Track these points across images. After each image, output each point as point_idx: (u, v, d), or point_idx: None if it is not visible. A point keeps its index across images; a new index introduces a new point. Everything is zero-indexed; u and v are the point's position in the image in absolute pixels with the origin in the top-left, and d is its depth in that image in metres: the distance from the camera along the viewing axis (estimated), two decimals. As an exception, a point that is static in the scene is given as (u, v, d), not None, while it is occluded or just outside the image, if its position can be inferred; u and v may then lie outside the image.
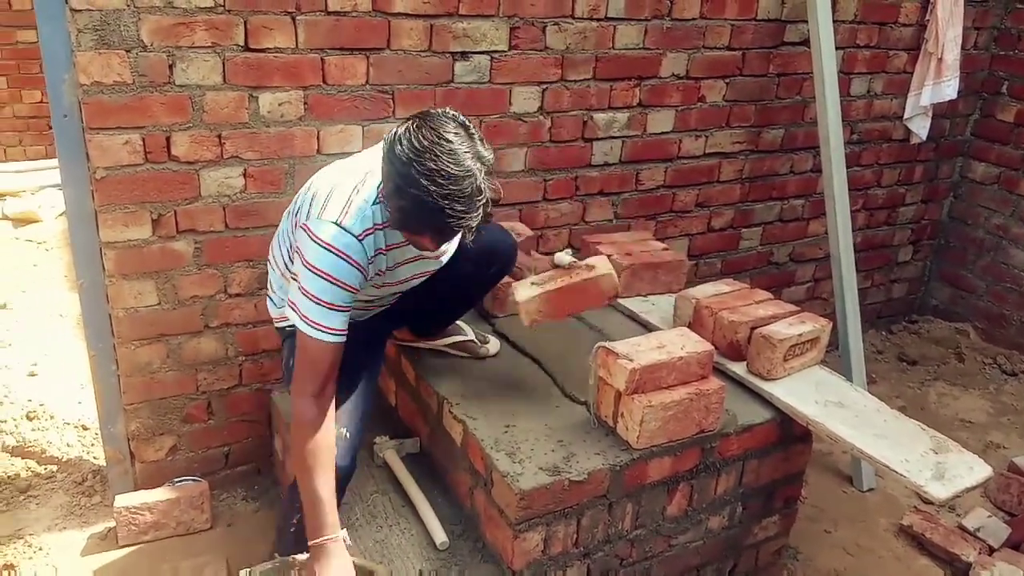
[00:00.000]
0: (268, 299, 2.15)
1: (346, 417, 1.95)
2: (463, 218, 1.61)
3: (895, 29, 3.51)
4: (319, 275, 1.73)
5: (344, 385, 1.94)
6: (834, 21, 3.00)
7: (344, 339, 1.79)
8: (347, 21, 2.32)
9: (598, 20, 2.75)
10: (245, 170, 2.35)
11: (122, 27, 2.07)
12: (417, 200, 1.59)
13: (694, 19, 2.95)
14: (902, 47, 3.57)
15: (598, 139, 2.94)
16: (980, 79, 3.96)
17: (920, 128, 3.68)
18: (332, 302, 1.74)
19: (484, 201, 1.64)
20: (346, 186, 1.79)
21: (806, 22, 2.98)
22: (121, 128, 2.15)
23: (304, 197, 1.88)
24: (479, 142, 1.65)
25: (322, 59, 2.33)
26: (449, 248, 2.04)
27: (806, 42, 3.12)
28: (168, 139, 2.22)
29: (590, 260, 2.16)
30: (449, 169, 1.57)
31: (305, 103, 2.35)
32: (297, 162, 2.40)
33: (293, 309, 1.78)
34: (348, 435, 1.94)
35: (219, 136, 2.28)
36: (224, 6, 2.16)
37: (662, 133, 3.09)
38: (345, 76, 2.38)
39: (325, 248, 1.72)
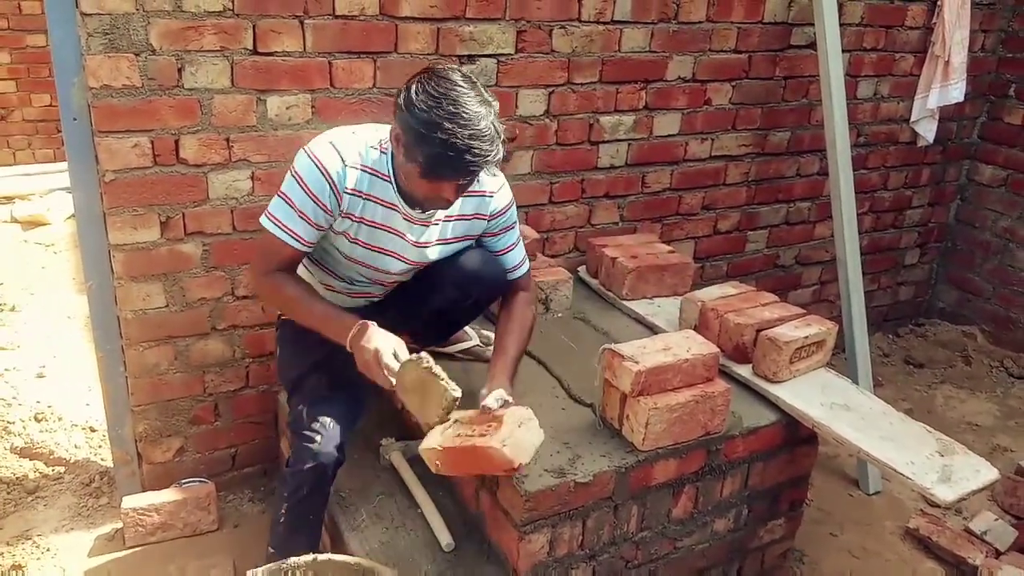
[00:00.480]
0: None
1: (329, 405, 1.99)
2: (487, 155, 1.71)
3: (902, 32, 3.51)
4: (293, 176, 1.83)
5: (330, 376, 2.01)
6: (841, 24, 3.00)
7: (299, 248, 1.86)
8: (355, 25, 2.34)
9: (604, 23, 2.76)
10: (253, 173, 2.36)
11: (131, 31, 2.08)
12: (445, 143, 1.67)
13: (700, 22, 2.95)
14: (909, 50, 3.57)
15: (604, 142, 2.95)
16: (987, 82, 3.96)
17: (927, 131, 3.68)
18: (296, 203, 1.82)
19: (502, 139, 1.74)
20: (346, 128, 1.92)
21: (812, 25, 2.98)
22: (130, 131, 2.17)
23: None
24: (483, 89, 1.76)
25: (330, 63, 2.34)
26: (431, 248, 2.01)
27: (812, 45, 3.12)
28: (177, 142, 2.23)
29: (508, 414, 1.78)
30: (468, 111, 1.67)
31: (313, 106, 2.36)
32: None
33: (265, 213, 1.87)
34: (330, 423, 1.96)
35: (227, 139, 2.29)
36: (233, 10, 2.17)
37: (668, 136, 3.09)
38: (352, 79, 2.39)
39: (308, 155, 1.83)
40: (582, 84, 2.80)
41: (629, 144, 3.01)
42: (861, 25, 3.38)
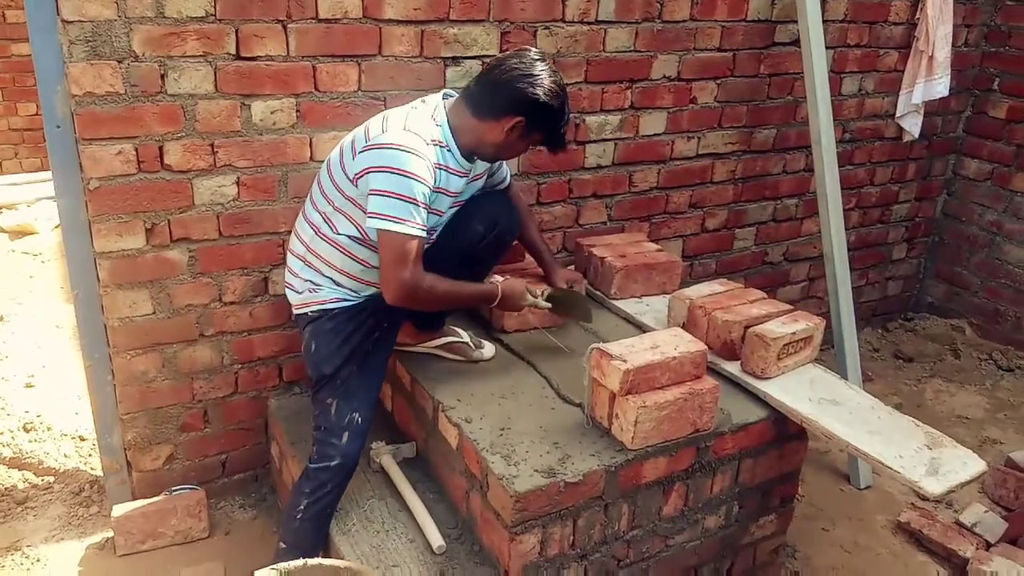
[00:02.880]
0: (287, 289, 2.20)
1: (358, 401, 2.10)
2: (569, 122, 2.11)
3: (885, 28, 3.53)
4: (393, 173, 1.91)
5: (359, 368, 2.11)
6: (824, 21, 3.01)
7: (425, 236, 1.96)
8: (338, 28, 2.33)
9: (588, 23, 2.76)
10: (238, 178, 2.35)
11: (114, 38, 2.08)
12: (561, 111, 2.04)
13: (684, 21, 2.96)
14: (893, 45, 3.59)
15: (591, 141, 2.95)
16: (971, 76, 3.98)
17: (912, 126, 3.69)
18: (411, 195, 1.91)
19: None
20: (399, 110, 2.06)
21: (796, 22, 2.99)
22: (114, 138, 2.16)
23: (349, 138, 2.08)
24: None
25: (314, 66, 2.34)
26: (468, 187, 2.20)
27: (797, 42, 3.13)
28: (161, 148, 2.23)
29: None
30: (563, 83, 2.06)
31: (297, 110, 2.36)
32: (290, 169, 2.41)
33: (375, 216, 1.92)
34: (359, 420, 2.08)
35: (212, 145, 2.28)
36: (215, 15, 2.17)
37: (654, 135, 3.10)
38: (337, 83, 2.39)
39: (395, 148, 1.93)
40: (567, 84, 2.78)
41: (616, 144, 3.02)
42: (845, 21, 3.39)
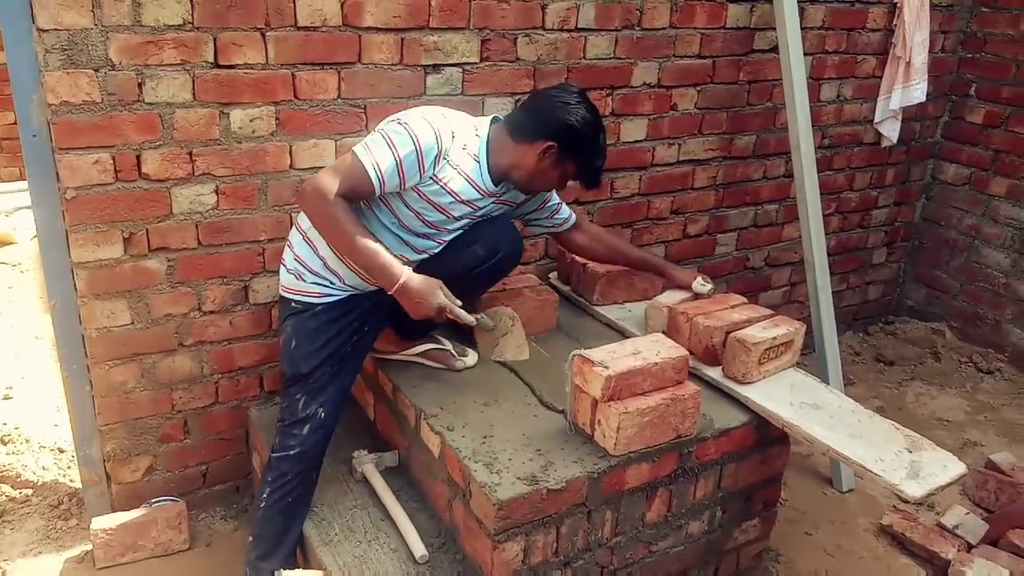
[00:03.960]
0: (282, 266, 2.19)
1: (325, 396, 2.12)
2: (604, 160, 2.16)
3: (863, 34, 3.56)
4: (409, 131, 1.96)
5: (332, 367, 2.11)
6: (802, 28, 3.03)
7: (376, 189, 1.96)
8: (317, 36, 2.33)
9: (569, 31, 2.77)
10: (217, 187, 2.34)
11: (90, 46, 2.06)
12: (594, 141, 2.09)
13: (664, 28, 2.97)
14: (870, 52, 3.62)
15: (572, 149, 2.95)
16: (948, 82, 4.02)
17: (890, 131, 3.72)
18: (400, 152, 1.94)
19: None
20: (449, 110, 2.11)
21: (775, 29, 3.02)
22: (91, 147, 2.15)
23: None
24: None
25: (293, 74, 2.33)
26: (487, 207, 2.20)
27: (775, 49, 3.15)
28: (138, 157, 2.21)
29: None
30: (601, 120, 2.12)
31: (277, 118, 2.35)
32: (270, 178, 2.40)
33: (362, 144, 1.97)
34: (324, 415, 2.11)
35: (190, 153, 2.27)
36: (193, 23, 2.15)
37: (635, 141, 3.11)
38: (316, 91, 2.38)
39: (426, 120, 1.99)
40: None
41: (597, 150, 3.02)
42: (823, 28, 3.42)
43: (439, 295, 1.99)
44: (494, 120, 2.17)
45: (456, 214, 2.11)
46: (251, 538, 2.20)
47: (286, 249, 2.19)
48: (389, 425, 2.41)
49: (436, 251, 2.16)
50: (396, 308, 2.13)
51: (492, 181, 2.11)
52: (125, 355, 2.38)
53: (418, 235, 2.11)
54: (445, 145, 2.00)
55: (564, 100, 2.07)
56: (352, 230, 1.93)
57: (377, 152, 1.94)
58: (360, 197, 1.99)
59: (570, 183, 2.20)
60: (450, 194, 2.06)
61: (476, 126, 2.12)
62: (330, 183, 1.91)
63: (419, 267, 2.13)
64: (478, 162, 2.08)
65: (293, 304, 2.14)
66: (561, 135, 2.05)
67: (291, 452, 2.12)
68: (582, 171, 2.13)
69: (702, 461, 2.12)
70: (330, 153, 2.45)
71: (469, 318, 2.08)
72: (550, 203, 2.41)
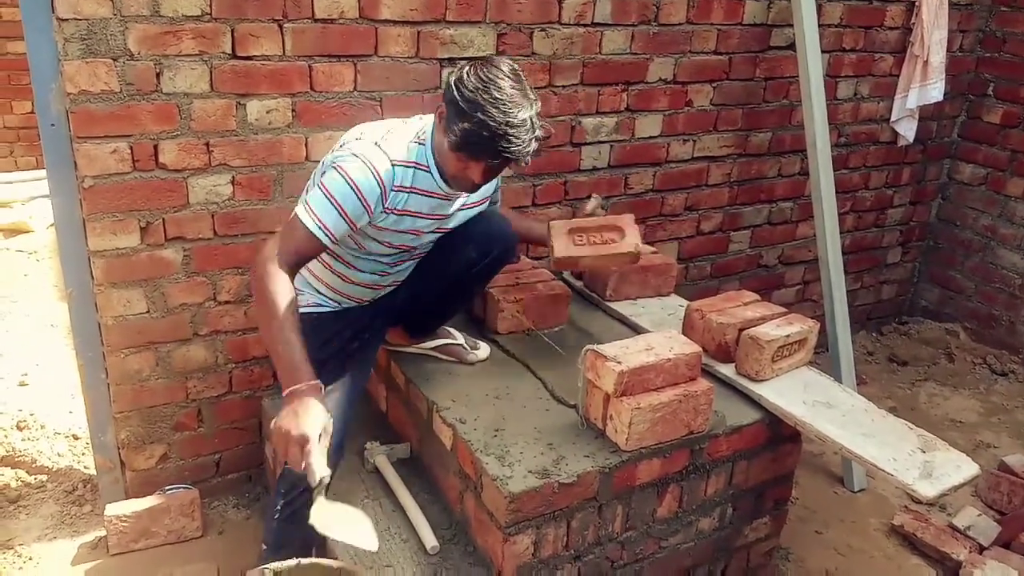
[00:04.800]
0: None
1: (331, 405, 1.93)
2: (520, 145, 1.80)
3: (881, 32, 3.54)
4: (343, 176, 1.84)
5: (332, 374, 2.02)
6: (820, 25, 3.02)
7: (326, 244, 1.85)
8: (334, 28, 2.33)
9: (585, 26, 2.76)
10: (233, 177, 2.35)
11: (109, 36, 2.07)
12: (483, 124, 1.77)
13: (680, 24, 2.97)
14: (888, 50, 3.60)
15: (586, 144, 2.96)
16: (966, 81, 3.99)
17: (907, 130, 3.70)
18: (342, 204, 1.83)
19: (538, 134, 1.84)
20: (381, 125, 1.98)
21: (792, 26, 3.00)
22: (109, 136, 2.16)
23: (331, 151, 2.01)
24: (528, 87, 1.86)
25: (309, 66, 2.34)
26: (458, 214, 2.11)
27: (792, 46, 3.14)
28: (156, 147, 2.22)
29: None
30: (511, 99, 1.79)
31: (293, 110, 2.36)
32: (285, 169, 2.41)
33: (303, 201, 1.87)
34: (333, 420, 1.90)
35: (207, 144, 2.28)
36: (211, 14, 2.16)
37: (650, 137, 3.10)
38: (333, 83, 2.39)
39: (359, 158, 1.86)
40: (564, 86, 2.81)
41: (611, 146, 3.02)
42: (840, 26, 3.40)
43: (313, 427, 1.64)
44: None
45: (424, 229, 2.05)
46: (263, 547, 2.10)
47: None
48: (401, 417, 2.42)
49: (411, 267, 2.13)
50: (402, 312, 2.12)
51: (446, 182, 1.96)
52: (141, 343, 2.40)
53: (390, 256, 2.08)
54: (386, 180, 1.87)
55: (463, 66, 1.85)
56: (279, 316, 1.74)
57: (319, 209, 1.82)
58: (311, 257, 1.90)
59: (473, 163, 1.87)
60: (409, 215, 1.98)
61: (419, 133, 1.97)
62: (276, 250, 1.80)
63: (412, 272, 2.12)
64: (428, 171, 1.95)
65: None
66: (446, 92, 1.83)
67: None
68: (465, 138, 1.80)
69: (714, 458, 2.12)
70: (346, 145, 2.45)
71: (320, 473, 1.65)
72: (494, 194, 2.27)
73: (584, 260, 2.26)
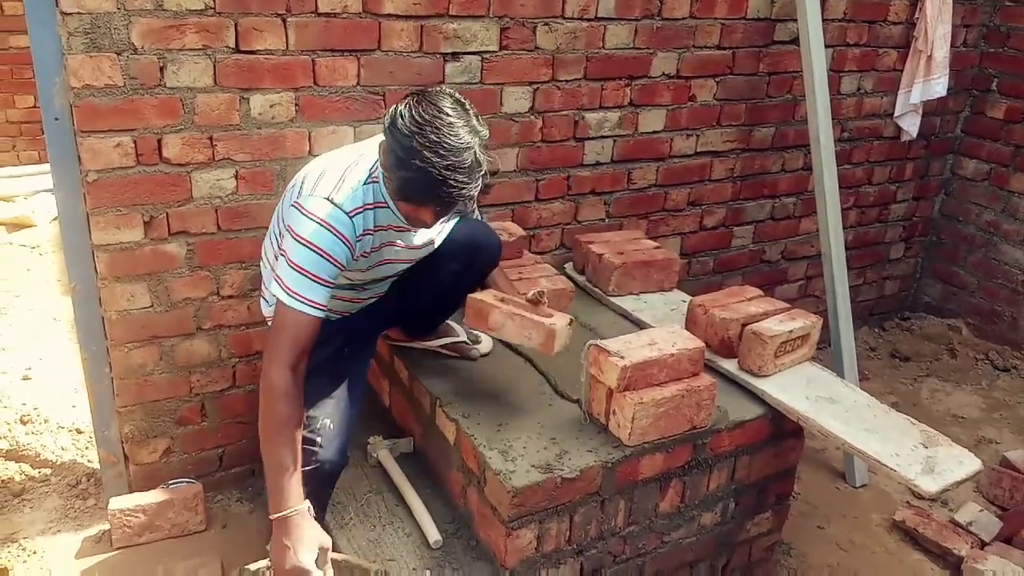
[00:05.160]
0: (262, 299, 2.16)
1: (330, 407, 1.98)
2: (464, 188, 1.69)
3: (884, 27, 3.53)
4: (308, 247, 1.77)
5: (329, 378, 2.01)
6: (824, 20, 3.02)
7: (323, 314, 1.81)
8: (337, 23, 2.33)
9: (588, 20, 2.76)
10: (237, 172, 2.35)
11: (113, 30, 2.07)
12: (421, 171, 1.66)
13: (684, 18, 2.96)
14: (892, 45, 3.59)
15: (590, 138, 2.95)
16: (970, 76, 3.98)
17: (910, 125, 3.70)
18: (317, 274, 1.78)
19: (483, 172, 1.73)
20: (338, 167, 1.86)
21: (796, 21, 3.00)
22: (112, 131, 2.16)
23: (294, 183, 1.93)
24: (474, 117, 1.74)
25: (313, 60, 2.34)
26: (436, 238, 2.08)
27: (796, 41, 3.14)
28: (159, 141, 2.22)
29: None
30: (450, 141, 1.66)
31: (296, 104, 2.36)
32: (289, 164, 2.40)
33: (278, 283, 1.80)
34: (331, 425, 1.96)
35: (210, 138, 2.28)
36: (214, 8, 2.16)
37: (653, 132, 3.10)
38: (336, 77, 2.39)
39: (315, 221, 1.77)
40: (567, 81, 2.80)
41: (614, 141, 3.02)
42: (844, 20, 3.39)
43: (307, 558, 1.70)
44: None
45: (397, 259, 2.03)
46: (269, 547, 2.02)
47: (262, 286, 2.15)
48: (404, 412, 2.42)
49: (391, 283, 2.12)
50: (392, 320, 2.11)
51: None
52: (144, 338, 2.40)
53: (367, 283, 2.07)
54: (348, 235, 1.80)
55: (405, 97, 1.74)
56: (279, 436, 1.76)
57: (300, 289, 1.77)
58: (313, 339, 1.82)
59: (420, 208, 1.79)
60: (385, 247, 1.95)
61: (371, 170, 1.86)
62: (285, 356, 1.76)
63: (397, 285, 2.09)
64: (387, 206, 1.87)
65: None
66: (386, 134, 1.73)
67: (305, 468, 1.89)
68: (405, 186, 1.72)
69: (716, 453, 2.13)
70: (348, 139, 2.45)
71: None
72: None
73: (496, 313, 2.01)
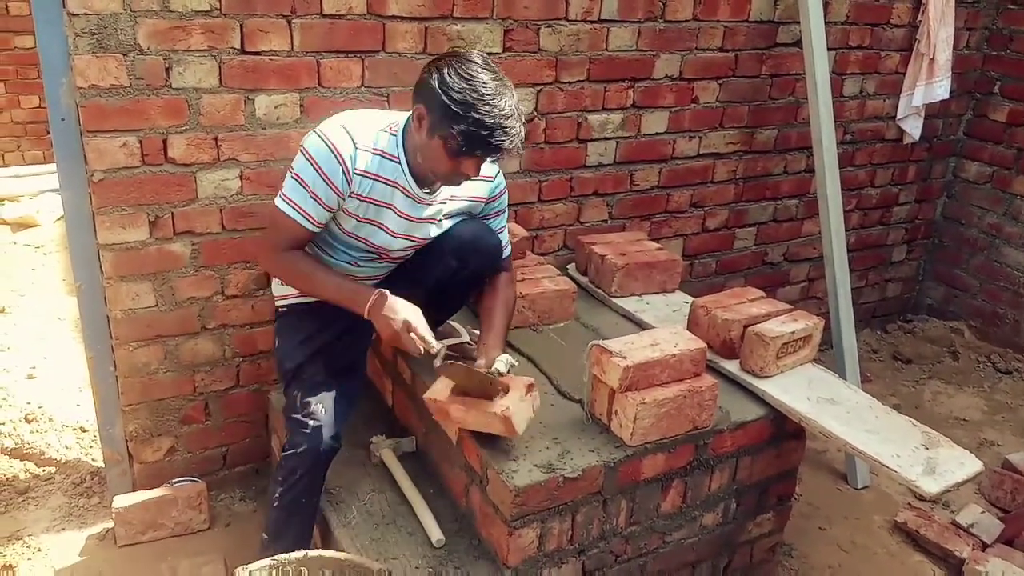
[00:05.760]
0: (274, 280, 2.21)
1: (323, 393, 2.06)
2: (517, 134, 1.82)
3: (887, 30, 3.54)
4: (307, 157, 1.89)
5: (325, 367, 2.08)
6: (826, 22, 3.02)
7: (311, 229, 1.93)
8: (342, 24, 2.34)
9: (591, 22, 2.77)
10: (242, 172, 2.37)
11: (119, 31, 2.09)
12: (478, 123, 1.77)
13: (687, 21, 2.97)
14: (894, 48, 3.60)
15: (592, 140, 2.96)
16: (972, 79, 3.99)
17: (913, 128, 3.70)
18: (311, 187, 1.88)
19: (524, 120, 1.86)
20: (361, 113, 1.99)
21: (798, 23, 3.00)
22: (118, 131, 2.17)
23: None
24: (500, 72, 1.86)
25: (317, 62, 2.35)
26: (437, 224, 2.11)
27: (798, 43, 3.14)
28: (165, 141, 2.24)
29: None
30: (498, 92, 1.79)
31: (301, 105, 2.37)
32: (293, 164, 2.42)
33: (280, 194, 1.93)
34: (324, 410, 2.03)
35: (216, 138, 2.29)
36: (220, 9, 2.18)
37: (656, 134, 3.11)
38: (340, 78, 2.40)
39: (321, 138, 1.89)
40: (570, 83, 2.81)
41: (617, 142, 3.03)
42: (846, 23, 3.40)
43: (407, 313, 1.89)
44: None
45: (395, 231, 2.03)
46: (264, 535, 2.14)
47: None
48: (407, 411, 2.43)
49: (388, 270, 2.15)
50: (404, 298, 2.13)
51: (418, 183, 1.97)
52: (149, 337, 2.42)
53: (362, 254, 2.08)
54: (346, 156, 1.87)
55: (437, 61, 1.85)
56: (309, 274, 1.96)
57: (293, 195, 1.90)
58: (304, 242, 1.98)
59: (468, 159, 1.86)
60: (373, 203, 1.97)
61: (391, 124, 1.97)
62: (271, 244, 1.96)
63: (393, 285, 2.09)
64: (398, 163, 1.95)
65: (281, 310, 2.19)
66: (426, 95, 1.82)
67: (299, 450, 2.03)
68: (459, 137, 1.79)
69: (718, 453, 2.13)
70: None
71: (436, 346, 1.92)
72: (494, 222, 2.20)
73: (454, 410, 1.93)
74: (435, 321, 2.32)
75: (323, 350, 2.10)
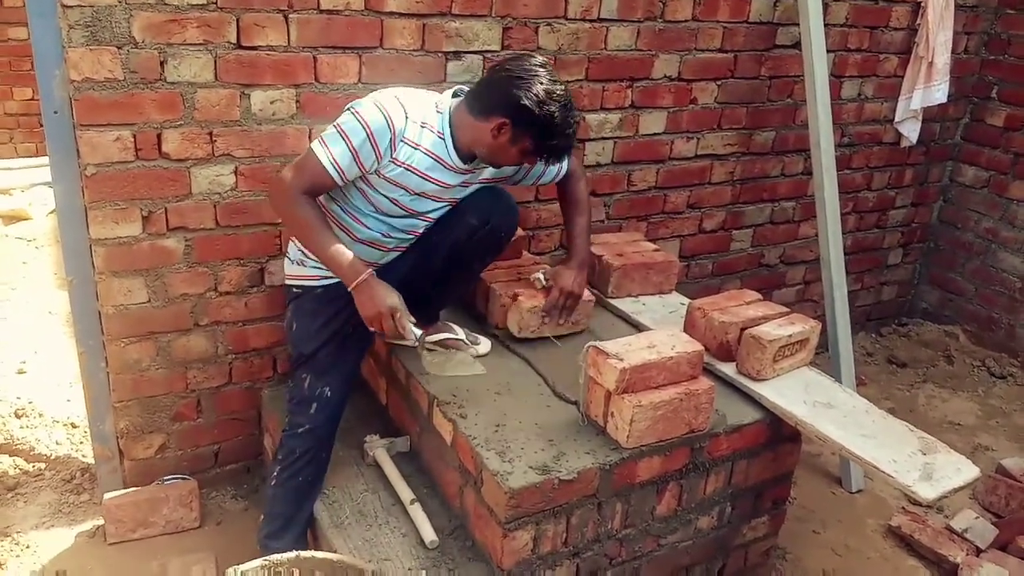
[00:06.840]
0: (286, 259, 2.24)
1: (331, 377, 2.15)
2: (575, 132, 2.03)
3: (886, 33, 3.53)
4: (359, 119, 1.94)
5: (333, 352, 2.15)
6: (825, 24, 3.01)
7: (337, 181, 1.97)
8: (339, 20, 2.32)
9: (591, 21, 2.75)
10: (236, 168, 2.34)
11: (114, 24, 2.06)
12: (568, 137, 2.02)
13: (686, 21, 2.96)
14: (893, 51, 3.59)
15: (590, 140, 2.95)
16: (970, 83, 3.99)
17: (910, 131, 3.70)
18: (353, 141, 1.94)
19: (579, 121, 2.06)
20: (405, 88, 2.09)
21: (797, 25, 2.99)
22: (112, 125, 2.15)
23: None
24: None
25: (314, 57, 2.33)
26: (466, 189, 2.19)
27: (797, 45, 3.13)
28: (159, 136, 2.21)
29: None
30: (565, 95, 1.98)
31: (297, 101, 2.35)
32: (289, 160, 2.38)
33: (319, 137, 1.99)
34: (330, 393, 2.14)
35: (210, 133, 2.27)
36: (216, 3, 2.15)
37: (654, 134, 3.09)
38: (337, 74, 2.38)
39: (376, 104, 1.96)
40: (568, 82, 2.79)
41: (615, 142, 3.01)
42: (846, 26, 3.39)
43: (393, 298, 1.97)
44: (456, 94, 2.11)
45: (430, 193, 2.09)
46: (262, 516, 2.23)
47: (291, 241, 2.22)
48: (401, 411, 2.41)
49: (421, 230, 2.18)
50: (400, 289, 2.14)
51: (460, 158, 2.07)
52: (141, 333, 2.39)
53: (397, 217, 2.12)
54: (398, 126, 1.96)
55: (518, 75, 1.96)
56: (314, 227, 1.97)
57: (332, 145, 1.94)
58: (323, 191, 2.03)
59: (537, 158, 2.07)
60: (415, 173, 2.03)
61: (437, 103, 2.07)
62: (292, 181, 1.96)
63: (414, 243, 2.19)
64: (442, 138, 2.04)
65: (294, 290, 2.20)
66: (513, 112, 1.95)
67: (300, 430, 2.15)
68: (539, 148, 2.02)
69: (714, 456, 2.12)
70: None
71: (414, 332, 2.02)
72: (534, 170, 2.31)
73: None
74: (445, 296, 2.39)
75: (337, 334, 2.15)
